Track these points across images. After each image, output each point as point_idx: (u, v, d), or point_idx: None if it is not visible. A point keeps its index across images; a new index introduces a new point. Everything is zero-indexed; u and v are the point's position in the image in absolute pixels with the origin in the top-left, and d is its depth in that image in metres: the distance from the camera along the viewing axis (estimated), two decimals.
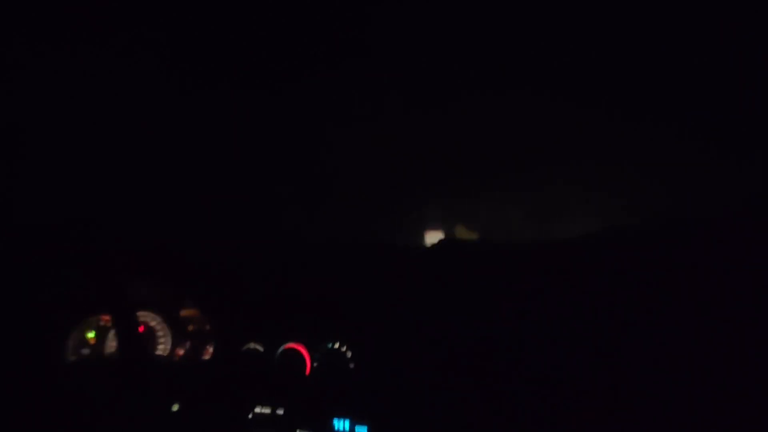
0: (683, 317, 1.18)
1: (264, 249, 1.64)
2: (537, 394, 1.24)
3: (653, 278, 1.22)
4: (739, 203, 1.35)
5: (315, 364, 1.45)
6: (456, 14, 1.40)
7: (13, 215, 1.58)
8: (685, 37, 1.34)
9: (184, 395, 1.44)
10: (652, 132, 1.49)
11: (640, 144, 1.52)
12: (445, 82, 1.55)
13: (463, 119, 1.59)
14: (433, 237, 1.65)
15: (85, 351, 1.60)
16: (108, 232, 1.62)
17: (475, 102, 1.57)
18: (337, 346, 1.44)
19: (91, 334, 1.62)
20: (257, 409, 1.41)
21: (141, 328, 1.64)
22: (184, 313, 1.68)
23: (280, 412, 1.39)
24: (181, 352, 1.65)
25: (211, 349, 1.61)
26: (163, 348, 1.66)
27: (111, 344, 1.62)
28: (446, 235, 1.58)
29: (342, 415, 1.34)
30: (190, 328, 1.67)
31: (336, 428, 1.34)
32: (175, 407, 1.42)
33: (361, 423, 1.32)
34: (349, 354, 1.43)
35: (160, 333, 1.67)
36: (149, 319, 1.67)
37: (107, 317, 1.61)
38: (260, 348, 1.50)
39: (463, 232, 1.62)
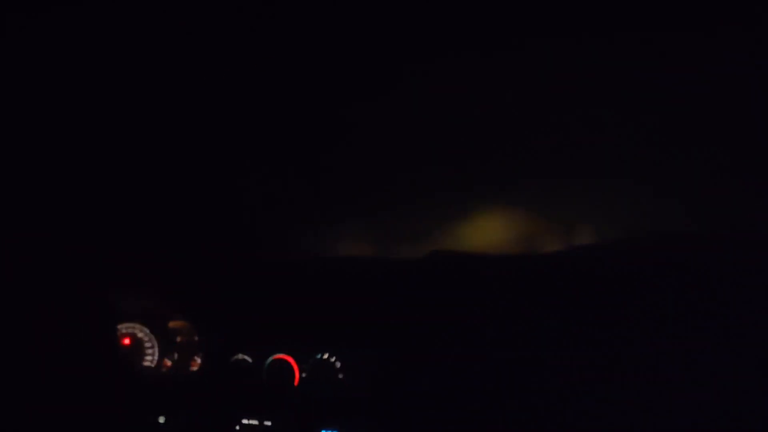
0: (686, 325, 1.19)
1: (253, 260, 1.64)
2: (531, 408, 1.24)
3: (652, 287, 1.23)
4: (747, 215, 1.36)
5: (304, 375, 1.45)
6: None
7: None
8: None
9: (170, 407, 1.42)
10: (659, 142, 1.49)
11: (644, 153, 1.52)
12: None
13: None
14: (423, 249, 1.66)
15: None
16: (95, 242, 1.61)
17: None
18: (326, 356, 1.44)
19: None
20: (244, 421, 1.40)
21: (128, 340, 1.62)
22: (171, 324, 1.67)
23: (268, 423, 1.38)
24: (168, 363, 1.63)
25: (199, 360, 1.60)
26: (150, 359, 1.64)
27: None
28: (435, 246, 1.59)
29: (330, 428, 1.33)
30: (178, 339, 1.66)
31: None
32: (162, 419, 1.41)
33: None
34: (338, 365, 1.42)
35: (147, 344, 1.65)
36: (137, 330, 1.65)
37: None
38: (248, 359, 1.49)
39: (452, 244, 1.62)
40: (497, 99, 1.53)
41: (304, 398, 1.43)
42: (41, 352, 1.54)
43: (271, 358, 1.47)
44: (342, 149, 1.66)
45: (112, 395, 1.44)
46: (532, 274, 1.35)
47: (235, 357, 1.50)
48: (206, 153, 1.69)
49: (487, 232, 1.61)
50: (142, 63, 1.55)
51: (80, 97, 1.58)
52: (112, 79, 1.57)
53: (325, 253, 1.68)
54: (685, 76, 1.40)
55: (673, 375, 1.16)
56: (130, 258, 1.60)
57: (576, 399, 1.21)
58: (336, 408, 1.38)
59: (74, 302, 1.50)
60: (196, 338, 1.62)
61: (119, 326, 1.63)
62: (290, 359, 1.46)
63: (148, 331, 1.65)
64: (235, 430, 1.40)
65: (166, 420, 1.41)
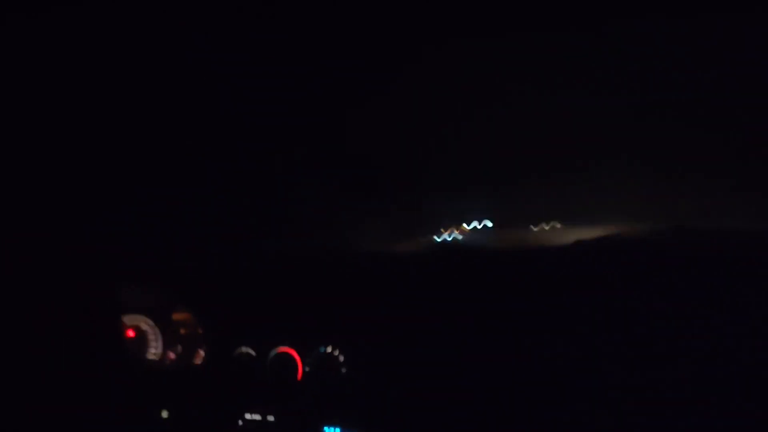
0: (688, 322, 1.15)
1: (256, 252, 1.62)
2: (535, 402, 1.21)
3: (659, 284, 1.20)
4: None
5: (307, 369, 1.42)
6: None
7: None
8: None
9: (174, 399, 1.41)
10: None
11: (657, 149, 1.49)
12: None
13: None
14: (429, 244, 1.63)
15: None
16: (99, 235, 1.60)
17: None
18: (330, 350, 1.41)
19: None
20: (247, 416, 1.39)
21: (132, 332, 1.62)
22: (175, 316, 1.65)
23: (271, 418, 1.37)
24: (172, 356, 1.63)
25: (202, 353, 1.59)
26: (154, 351, 1.63)
27: None
28: (442, 242, 1.56)
29: (333, 423, 1.31)
30: (182, 331, 1.65)
31: None
32: (165, 414, 1.40)
33: (353, 431, 1.29)
34: (342, 358, 1.40)
35: (151, 336, 1.64)
36: (141, 322, 1.64)
37: None
38: (252, 352, 1.48)
39: (457, 236, 1.60)
40: (497, 99, 1.53)
41: (308, 392, 1.41)
42: (46, 344, 1.54)
43: (274, 352, 1.46)
44: (347, 143, 1.65)
45: (117, 387, 1.44)
46: (536, 272, 1.31)
47: (239, 350, 1.49)
48: (207, 146, 1.67)
49: (494, 230, 1.60)
50: (142, 63, 1.54)
51: (80, 95, 1.56)
52: (111, 77, 1.55)
53: (330, 246, 1.66)
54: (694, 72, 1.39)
55: (673, 375, 1.13)
56: (134, 250, 1.59)
57: (578, 399, 1.18)
58: (339, 402, 1.35)
59: (79, 294, 1.50)
60: (200, 331, 1.61)
61: (123, 318, 1.62)
62: (294, 352, 1.44)
63: (152, 323, 1.64)
64: (238, 425, 1.38)
65: (169, 413, 1.40)
